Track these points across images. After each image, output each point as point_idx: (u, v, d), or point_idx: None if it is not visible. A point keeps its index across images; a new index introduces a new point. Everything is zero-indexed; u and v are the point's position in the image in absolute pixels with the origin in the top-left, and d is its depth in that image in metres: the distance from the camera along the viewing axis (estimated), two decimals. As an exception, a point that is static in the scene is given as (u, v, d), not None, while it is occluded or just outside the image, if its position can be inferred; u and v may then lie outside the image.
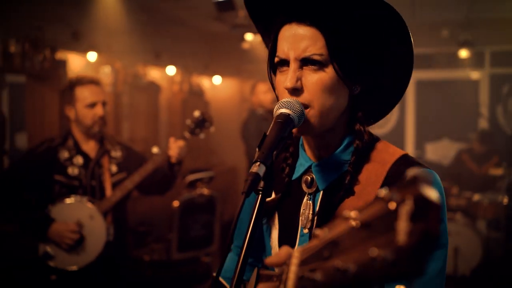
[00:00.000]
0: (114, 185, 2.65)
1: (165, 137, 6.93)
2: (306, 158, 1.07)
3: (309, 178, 1.05)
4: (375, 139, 1.06)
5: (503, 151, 6.06)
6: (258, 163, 0.82)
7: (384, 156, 1.01)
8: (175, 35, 7.23)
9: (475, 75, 7.31)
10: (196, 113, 2.79)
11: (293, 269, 0.65)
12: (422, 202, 0.47)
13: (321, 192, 1.04)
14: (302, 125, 0.96)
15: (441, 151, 7.42)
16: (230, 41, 8.08)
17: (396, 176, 0.97)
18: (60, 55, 4.75)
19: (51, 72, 4.55)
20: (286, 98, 0.95)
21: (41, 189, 2.58)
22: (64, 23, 4.91)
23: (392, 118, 7.69)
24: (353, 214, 0.55)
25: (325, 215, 1.02)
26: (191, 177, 4.18)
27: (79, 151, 2.62)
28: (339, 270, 0.52)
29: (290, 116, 0.91)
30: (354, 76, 0.98)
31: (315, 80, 0.95)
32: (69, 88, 2.62)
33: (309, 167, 1.06)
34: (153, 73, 6.63)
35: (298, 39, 0.95)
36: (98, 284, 2.61)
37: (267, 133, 0.89)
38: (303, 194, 1.07)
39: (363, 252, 0.50)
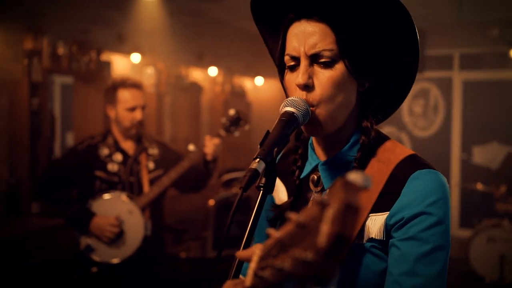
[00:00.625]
0: (151, 182, 2.73)
1: (206, 137, 7.03)
2: (314, 157, 1.06)
3: (316, 177, 1.04)
4: (383, 138, 1.03)
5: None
6: (258, 159, 0.82)
7: (390, 156, 0.99)
8: (218, 36, 7.32)
9: (526, 75, 7.01)
10: (231, 112, 2.83)
11: (252, 266, 0.67)
12: (344, 205, 0.49)
13: (327, 191, 1.03)
14: (312, 125, 0.96)
15: (489, 155, 7.15)
16: (272, 42, 8.10)
17: (400, 176, 0.95)
18: (105, 56, 4.91)
19: (97, 73, 4.70)
20: (294, 96, 0.95)
21: (83, 184, 2.70)
22: (109, 26, 5.08)
23: (437, 120, 7.49)
24: (293, 215, 0.57)
25: None
26: (227, 177, 4.22)
27: (118, 148, 2.72)
28: (278, 269, 0.55)
29: (295, 114, 0.91)
30: (363, 71, 0.97)
31: (326, 77, 0.95)
32: (112, 89, 2.72)
33: (316, 166, 1.05)
34: (195, 74, 6.73)
35: (308, 35, 0.95)
36: (136, 277, 2.69)
37: (270, 131, 0.89)
38: (311, 193, 1.06)
39: (295, 253, 0.52)
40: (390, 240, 0.94)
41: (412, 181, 0.94)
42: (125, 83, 2.69)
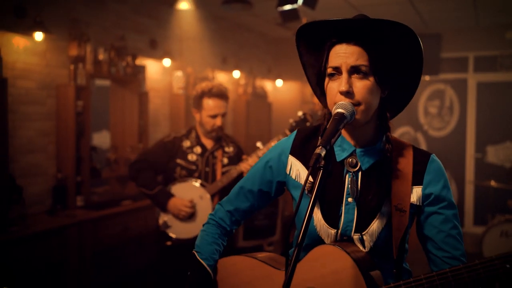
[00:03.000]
0: (223, 174, 3.14)
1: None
2: (349, 144, 1.39)
3: (354, 160, 1.37)
4: None
5: None
6: (321, 147, 1.12)
7: (402, 145, 1.39)
8: (241, 40, 7.65)
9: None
10: (299, 113, 3.18)
11: None
12: None
13: (361, 172, 1.36)
14: (353, 119, 1.28)
15: (503, 154, 7.36)
16: (292, 46, 8.38)
17: (420, 158, 1.37)
18: (139, 61, 5.25)
19: (132, 77, 5.05)
20: (341, 101, 1.26)
21: (167, 170, 3.14)
22: (142, 33, 5.43)
23: (452, 120, 7.71)
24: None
25: (367, 188, 1.35)
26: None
27: (199, 142, 3.15)
28: None
29: (344, 114, 1.22)
30: (386, 83, 1.32)
31: (362, 86, 1.27)
32: (199, 97, 3.10)
33: (353, 152, 1.37)
34: (220, 77, 7.06)
35: (349, 53, 1.28)
36: None
37: (327, 126, 1.20)
38: (344, 173, 1.38)
39: None
40: (427, 209, 1.35)
41: (431, 163, 1.37)
42: (210, 92, 3.06)
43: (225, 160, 3.17)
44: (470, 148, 7.57)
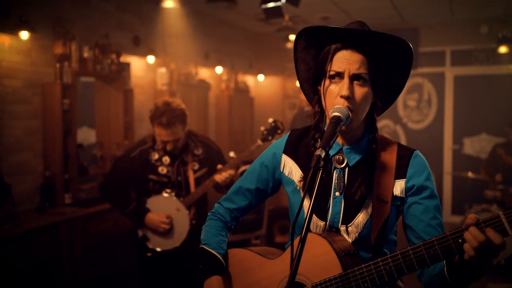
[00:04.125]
0: (197, 180, 3.11)
1: (213, 131, 7.43)
2: (336, 143, 1.49)
3: (341, 157, 1.48)
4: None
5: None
6: (321, 149, 1.22)
7: (387, 142, 1.50)
8: (223, 36, 7.71)
9: (514, 70, 7.42)
10: (270, 120, 3.20)
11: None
12: None
13: (347, 168, 1.47)
14: (348, 123, 1.38)
15: (479, 146, 7.59)
16: (273, 42, 8.49)
17: (404, 154, 1.47)
18: (123, 58, 5.27)
19: (117, 74, 5.07)
20: (340, 104, 1.36)
21: (139, 185, 3.11)
22: (126, 30, 5.45)
23: (430, 113, 7.90)
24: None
25: (353, 183, 1.46)
26: (244, 168, 4.62)
27: (166, 152, 3.08)
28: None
29: (341, 117, 1.32)
30: (379, 90, 1.44)
31: (361, 92, 1.38)
32: (150, 119, 3.03)
33: (340, 149, 1.48)
34: (203, 73, 7.12)
35: (353, 61, 1.38)
36: (182, 263, 3.13)
37: (325, 129, 1.31)
38: (332, 169, 1.49)
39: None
40: (410, 199, 1.43)
41: (414, 158, 1.46)
42: (158, 121, 2.94)
43: (196, 165, 3.13)
44: (448, 140, 7.79)
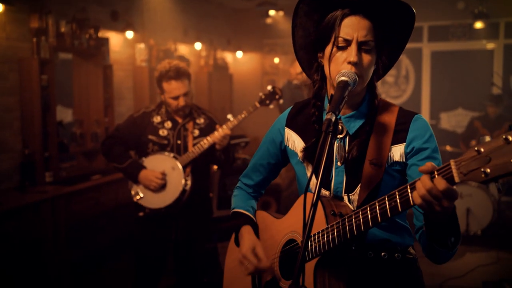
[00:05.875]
0: (195, 145, 3.15)
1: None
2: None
3: (340, 127, 1.47)
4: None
5: (515, 119, 6.37)
6: (330, 113, 1.21)
7: (389, 108, 1.48)
8: (201, 12, 7.58)
9: (489, 46, 7.54)
10: (269, 87, 3.29)
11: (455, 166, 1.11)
12: None
13: (348, 137, 1.47)
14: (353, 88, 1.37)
15: (455, 120, 7.74)
16: (252, 18, 8.41)
17: (404, 118, 1.44)
18: (101, 34, 5.14)
19: (96, 49, 4.95)
20: (345, 69, 1.35)
21: (138, 145, 3.17)
22: (104, 4, 5.30)
23: (408, 88, 8.00)
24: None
25: (354, 152, 1.45)
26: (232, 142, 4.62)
27: (169, 117, 3.16)
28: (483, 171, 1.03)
29: (348, 82, 1.32)
30: (381, 57, 1.44)
31: (368, 59, 1.38)
32: (158, 80, 3.10)
33: (339, 119, 1.46)
34: (182, 49, 7.01)
35: (360, 27, 1.37)
36: (175, 223, 3.18)
37: (333, 94, 1.29)
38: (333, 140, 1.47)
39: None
40: (410, 161, 1.41)
41: (414, 122, 1.43)
42: (167, 75, 3.04)
43: (196, 132, 3.19)
44: (425, 115, 7.91)
